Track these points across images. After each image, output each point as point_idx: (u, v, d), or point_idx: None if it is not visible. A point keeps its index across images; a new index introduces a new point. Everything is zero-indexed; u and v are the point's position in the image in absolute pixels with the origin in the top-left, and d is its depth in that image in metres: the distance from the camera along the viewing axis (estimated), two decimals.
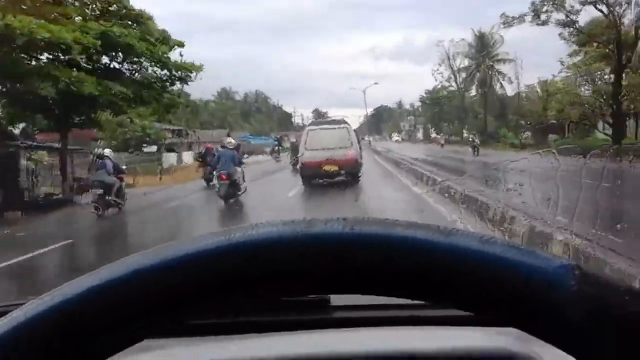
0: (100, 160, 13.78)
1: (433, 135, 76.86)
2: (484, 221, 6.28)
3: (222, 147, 14.74)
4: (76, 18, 15.97)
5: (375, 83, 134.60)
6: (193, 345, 1.01)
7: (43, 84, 14.58)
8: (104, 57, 17.35)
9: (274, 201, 13.46)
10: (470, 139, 33.40)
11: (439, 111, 72.35)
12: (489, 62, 58.11)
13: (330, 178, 16.35)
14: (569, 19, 27.34)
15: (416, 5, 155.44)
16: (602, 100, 29.17)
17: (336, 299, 1.12)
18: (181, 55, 18.73)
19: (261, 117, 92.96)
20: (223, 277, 0.36)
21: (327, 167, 16.19)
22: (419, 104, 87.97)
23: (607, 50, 27.26)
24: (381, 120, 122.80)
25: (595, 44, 29.14)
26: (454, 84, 67.32)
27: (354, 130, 19.18)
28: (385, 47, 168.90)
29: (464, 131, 62.89)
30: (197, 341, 1.02)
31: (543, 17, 27.84)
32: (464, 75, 63.87)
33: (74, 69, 15.47)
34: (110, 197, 13.29)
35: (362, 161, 17.67)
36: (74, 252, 9.32)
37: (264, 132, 74.49)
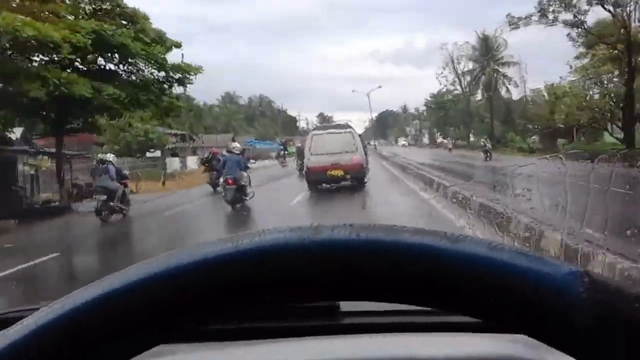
0: (103, 166, 13.58)
1: (439, 139, 76.40)
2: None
3: (229, 151, 14.64)
4: (69, 17, 15.42)
5: (379, 86, 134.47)
6: (202, 350, 1.01)
7: (31, 85, 13.96)
8: (97, 57, 16.71)
9: (280, 207, 13.18)
10: (482, 144, 32.56)
11: (445, 115, 71.96)
12: (493, 65, 57.64)
13: (336, 183, 16.35)
14: (577, 19, 26.76)
15: (417, 7, 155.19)
16: (612, 103, 28.68)
17: (345, 305, 1.10)
18: (182, 57, 18.49)
19: (266, 122, 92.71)
20: (230, 284, 0.36)
21: (332, 172, 16.20)
22: (424, 108, 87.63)
23: (616, 51, 26.67)
24: (386, 125, 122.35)
25: (602, 46, 28.60)
26: (458, 87, 67.00)
27: (359, 135, 19.29)
28: (389, 50, 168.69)
29: (471, 135, 62.51)
30: (207, 347, 1.02)
31: (550, 17, 27.23)
32: (468, 78, 63.48)
33: (65, 70, 14.92)
34: (113, 203, 13.08)
35: (369, 166, 17.65)
36: (60, 265, 8.74)
37: (268, 137, 74.24)
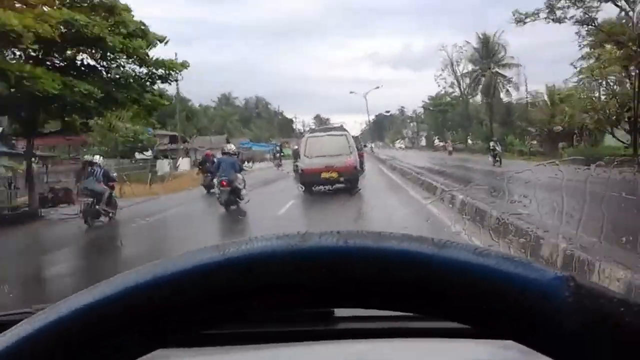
0: (89, 168, 13.24)
1: (436, 142, 75.63)
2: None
3: (224, 153, 14.63)
4: (44, 8, 14.04)
5: (377, 87, 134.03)
6: (196, 355, 1.02)
7: None
8: (67, 50, 15.34)
9: (271, 213, 12.44)
10: (491, 147, 30.66)
11: (443, 118, 71.25)
12: (494, 67, 56.84)
13: (330, 185, 16.57)
14: (587, 16, 25.80)
15: (415, 10, 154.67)
16: (619, 105, 27.82)
17: (340, 310, 1.09)
18: (175, 56, 17.45)
19: (262, 123, 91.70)
20: (218, 291, 0.36)
21: (326, 174, 16.36)
22: (422, 110, 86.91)
23: (627, 50, 25.69)
24: (383, 127, 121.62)
25: (609, 46, 27.74)
26: (457, 89, 66.25)
27: (356, 137, 19.88)
28: (387, 52, 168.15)
29: (469, 138, 61.81)
30: (201, 352, 1.02)
31: (558, 13, 26.22)
32: (467, 80, 62.71)
33: (29, 63, 13.57)
34: (99, 206, 12.75)
35: (365, 167, 17.96)
36: None
37: (264, 139, 73.29)
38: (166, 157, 36.56)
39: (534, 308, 0.34)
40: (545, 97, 42.30)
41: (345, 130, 19.00)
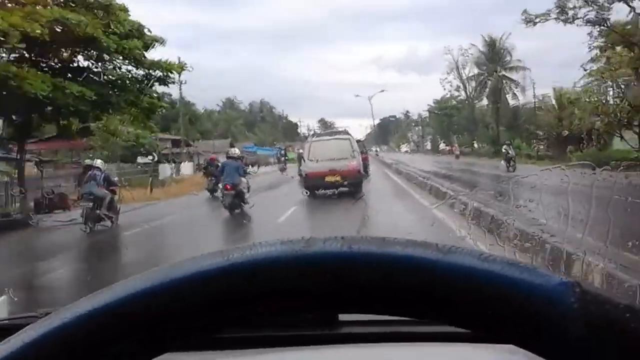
0: (90, 172, 13.15)
1: (442, 146, 75.06)
2: None
3: (228, 157, 14.71)
4: (36, 7, 13.43)
5: (382, 90, 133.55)
6: (203, 359, 1.00)
7: None
8: (58, 50, 14.79)
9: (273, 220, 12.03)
10: (504, 150, 28.93)
11: (448, 121, 70.69)
12: (500, 70, 56.25)
13: (334, 188, 16.63)
14: (599, 16, 25.22)
15: (421, 15, 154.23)
16: (630, 108, 27.23)
17: (344, 315, 1.08)
18: (179, 60, 17.06)
19: (266, 127, 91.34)
20: (222, 296, 0.37)
21: (330, 178, 16.44)
22: (427, 114, 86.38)
23: (639, 52, 25.12)
24: (388, 131, 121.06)
25: (619, 48, 27.17)
26: (463, 93, 65.65)
27: (360, 141, 20.38)
28: (392, 57, 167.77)
29: (474, 142, 61.27)
30: (206, 355, 1.01)
31: (570, 13, 25.61)
32: (473, 84, 62.13)
33: (15, 63, 13.03)
34: (100, 211, 12.61)
35: (369, 171, 18.31)
36: None
37: (268, 143, 72.98)
38: (169, 161, 36.27)
39: (539, 314, 0.34)
40: (553, 101, 41.74)
41: (349, 134, 19.25)
